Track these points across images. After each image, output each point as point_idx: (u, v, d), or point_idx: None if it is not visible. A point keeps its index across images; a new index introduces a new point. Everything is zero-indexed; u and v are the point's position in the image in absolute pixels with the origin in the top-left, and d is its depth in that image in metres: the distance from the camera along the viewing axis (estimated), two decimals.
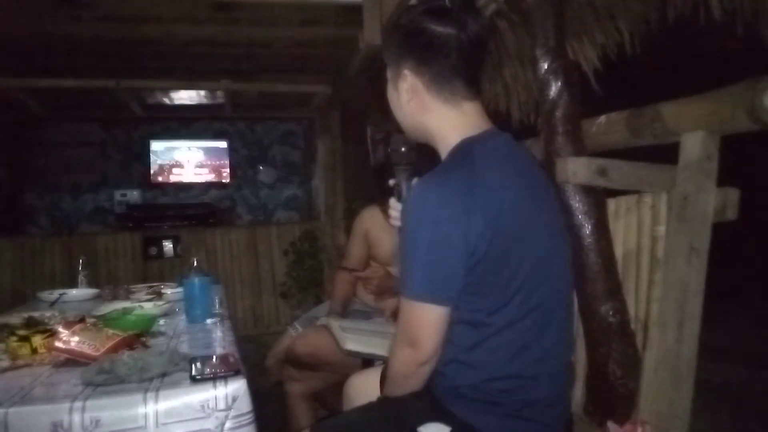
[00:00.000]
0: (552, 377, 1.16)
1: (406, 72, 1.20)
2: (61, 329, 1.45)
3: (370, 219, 2.49)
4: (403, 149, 1.30)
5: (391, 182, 1.34)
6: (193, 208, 5.81)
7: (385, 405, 1.22)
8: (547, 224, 1.18)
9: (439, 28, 1.13)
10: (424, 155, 1.29)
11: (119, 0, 2.98)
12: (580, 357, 1.61)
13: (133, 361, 1.26)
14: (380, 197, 2.31)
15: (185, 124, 6.11)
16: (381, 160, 2.42)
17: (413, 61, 1.18)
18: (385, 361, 1.51)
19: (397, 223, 1.30)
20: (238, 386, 1.19)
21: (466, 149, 1.14)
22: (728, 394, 3.07)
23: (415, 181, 1.29)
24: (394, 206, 1.33)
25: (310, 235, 5.13)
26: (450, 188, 1.08)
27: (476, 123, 1.20)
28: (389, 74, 1.27)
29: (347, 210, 4.81)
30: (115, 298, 2.35)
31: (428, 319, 1.09)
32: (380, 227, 2.41)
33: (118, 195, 5.81)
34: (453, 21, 1.13)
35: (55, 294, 2.38)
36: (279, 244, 5.14)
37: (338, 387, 2.30)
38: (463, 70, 1.17)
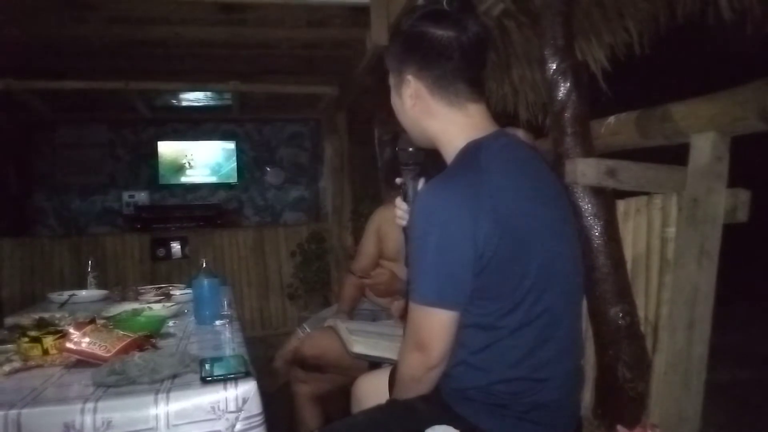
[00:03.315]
0: (561, 380, 1.16)
1: (409, 77, 1.20)
2: (71, 330, 1.45)
3: (381, 216, 2.57)
4: (410, 149, 1.31)
5: (398, 181, 1.34)
6: (200, 210, 5.84)
7: (394, 407, 1.22)
8: (555, 225, 1.17)
9: (440, 32, 1.14)
10: (432, 156, 1.29)
11: (126, 1, 2.99)
12: (590, 359, 1.60)
13: (144, 363, 1.26)
14: (389, 194, 2.34)
15: (193, 125, 6.14)
16: (389, 156, 2.44)
17: (415, 66, 1.18)
18: (392, 364, 1.51)
19: (403, 222, 1.30)
20: (248, 388, 1.20)
21: (472, 152, 1.14)
22: (739, 396, 3.05)
23: (421, 182, 1.29)
24: (400, 206, 1.33)
25: (318, 237, 5.14)
26: (457, 192, 1.08)
27: (482, 125, 1.19)
28: (392, 81, 1.27)
29: (354, 211, 4.80)
30: (124, 299, 2.36)
31: (437, 324, 1.09)
32: (390, 223, 2.46)
33: (126, 196, 5.84)
34: (452, 23, 1.13)
35: (65, 295, 2.39)
36: (286, 246, 5.15)
37: (338, 393, 2.33)
38: (465, 72, 1.17)
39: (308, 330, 2.56)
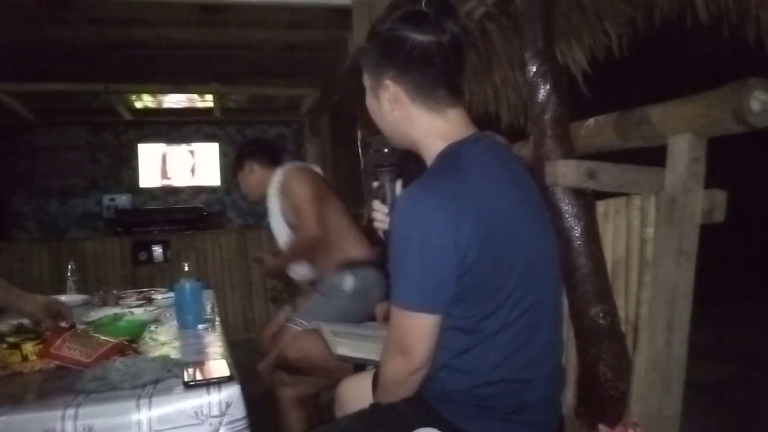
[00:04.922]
0: (543, 380, 1.17)
1: (388, 82, 1.17)
2: (51, 336, 1.44)
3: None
4: (385, 150, 1.28)
5: (375, 184, 1.31)
6: (182, 213, 5.79)
7: (377, 411, 1.22)
8: (535, 226, 1.18)
9: (420, 37, 1.10)
10: (409, 157, 1.28)
11: (106, 3, 2.96)
12: (571, 359, 1.62)
13: (126, 368, 1.25)
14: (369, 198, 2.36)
15: (174, 127, 6.09)
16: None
17: (394, 71, 1.16)
18: (376, 366, 1.51)
19: (383, 226, 1.29)
20: (231, 392, 1.19)
21: (452, 155, 1.13)
22: (717, 395, 3.10)
23: (398, 183, 1.29)
24: (379, 209, 1.30)
25: None
26: (438, 196, 1.07)
27: (461, 128, 1.18)
28: (368, 82, 1.24)
29: None
30: (104, 304, 2.34)
31: (420, 328, 1.09)
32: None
33: (106, 199, 5.78)
34: (432, 27, 1.10)
35: None
36: (269, 248, 5.12)
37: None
38: (445, 77, 1.15)
39: (303, 323, 2.59)
